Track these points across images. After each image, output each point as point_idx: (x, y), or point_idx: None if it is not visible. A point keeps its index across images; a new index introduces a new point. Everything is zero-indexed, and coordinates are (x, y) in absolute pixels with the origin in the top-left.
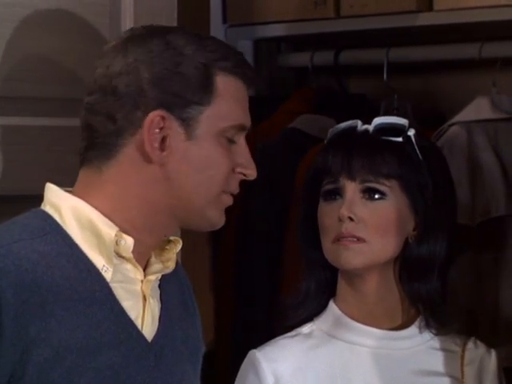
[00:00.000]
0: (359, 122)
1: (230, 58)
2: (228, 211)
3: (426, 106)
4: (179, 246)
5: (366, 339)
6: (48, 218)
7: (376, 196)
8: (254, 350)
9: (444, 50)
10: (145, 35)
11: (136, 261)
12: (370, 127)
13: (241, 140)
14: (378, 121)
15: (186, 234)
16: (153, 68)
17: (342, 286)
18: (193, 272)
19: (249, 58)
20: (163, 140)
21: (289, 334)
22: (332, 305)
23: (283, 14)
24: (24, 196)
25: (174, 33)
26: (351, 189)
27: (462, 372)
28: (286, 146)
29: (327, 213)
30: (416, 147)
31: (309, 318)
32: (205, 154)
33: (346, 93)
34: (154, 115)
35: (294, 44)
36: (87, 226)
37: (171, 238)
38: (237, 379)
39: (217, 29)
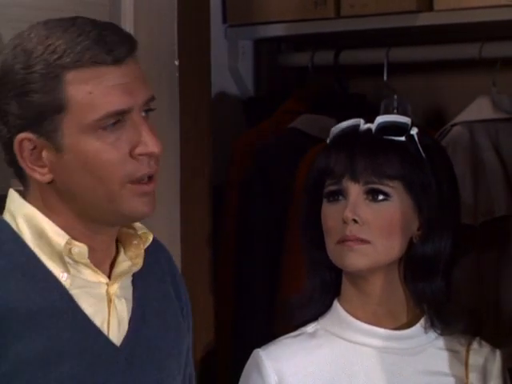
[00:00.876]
0: (362, 121)
1: (72, 51)
2: (227, 211)
3: (426, 106)
4: (149, 240)
5: (370, 339)
6: (6, 227)
7: (380, 197)
8: (257, 349)
9: (444, 50)
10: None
11: (97, 264)
12: (373, 126)
13: (129, 121)
14: (380, 119)
15: (186, 236)
16: (4, 87)
17: (346, 286)
18: (193, 273)
19: (249, 57)
20: (39, 157)
21: (293, 334)
22: (336, 304)
23: (283, 14)
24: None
25: (27, 37)
26: (355, 190)
27: (467, 372)
28: (286, 146)
29: (331, 214)
30: (419, 146)
31: (313, 318)
32: (83, 159)
33: (346, 93)
34: (20, 139)
35: (294, 44)
36: (41, 235)
37: (139, 232)
38: (241, 378)
39: (217, 29)
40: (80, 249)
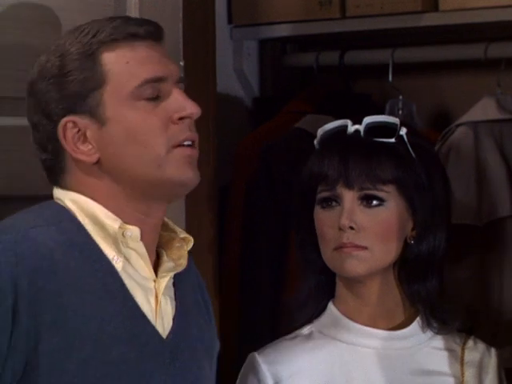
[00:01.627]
0: (349, 122)
1: (105, 30)
2: (233, 212)
3: (431, 106)
4: (190, 244)
5: (366, 340)
6: (61, 207)
7: (374, 202)
8: (254, 353)
9: (449, 50)
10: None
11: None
12: (361, 128)
13: (167, 92)
14: (368, 120)
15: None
16: (43, 81)
17: (341, 288)
18: None
19: (254, 58)
20: (84, 139)
21: (288, 336)
22: (331, 306)
23: (288, 15)
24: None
25: (57, 40)
26: (349, 197)
27: (462, 370)
28: (291, 147)
29: (326, 221)
30: (409, 146)
31: (308, 320)
32: (127, 127)
33: (351, 93)
34: (63, 123)
35: (299, 44)
36: (93, 218)
37: (181, 235)
38: (237, 381)
39: (222, 29)
40: (132, 232)
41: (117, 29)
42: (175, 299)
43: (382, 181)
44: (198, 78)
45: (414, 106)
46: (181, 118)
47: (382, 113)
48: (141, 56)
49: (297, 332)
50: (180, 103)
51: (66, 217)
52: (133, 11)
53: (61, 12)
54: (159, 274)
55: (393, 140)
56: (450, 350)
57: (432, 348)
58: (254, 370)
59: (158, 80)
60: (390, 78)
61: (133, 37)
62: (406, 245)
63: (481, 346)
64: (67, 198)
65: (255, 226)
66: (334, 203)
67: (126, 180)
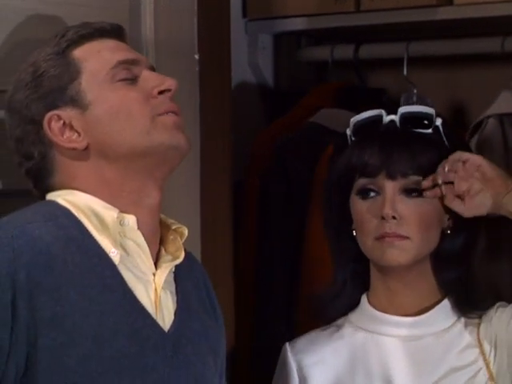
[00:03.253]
0: (383, 112)
1: (71, 29)
2: (248, 206)
3: (445, 100)
4: (184, 235)
5: (389, 328)
6: (58, 204)
7: (414, 193)
8: (286, 343)
9: (464, 44)
10: None
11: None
12: (396, 118)
13: (140, 73)
14: (403, 110)
15: (206, 231)
16: (20, 91)
17: (374, 279)
18: (214, 267)
19: (269, 52)
20: (71, 128)
21: (324, 327)
22: (364, 297)
23: (303, 8)
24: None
25: (37, 52)
26: (391, 187)
27: (480, 342)
28: (307, 141)
29: (366, 211)
30: (444, 137)
31: (344, 311)
32: (110, 105)
33: (366, 87)
34: (48, 119)
35: (314, 38)
36: (89, 211)
37: (173, 227)
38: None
39: (237, 23)
40: (130, 220)
41: (83, 26)
42: (176, 294)
43: (422, 172)
44: (212, 72)
45: (429, 100)
46: (160, 92)
47: (397, 107)
48: (111, 46)
49: (333, 323)
50: (157, 79)
51: (63, 213)
52: (147, 5)
53: (75, 7)
54: (158, 267)
55: (430, 131)
56: (470, 333)
57: (454, 334)
58: (283, 358)
59: (131, 62)
60: (405, 72)
61: (99, 32)
62: (442, 235)
63: (489, 311)
64: (60, 198)
65: (269, 221)
66: (373, 193)
67: (118, 158)
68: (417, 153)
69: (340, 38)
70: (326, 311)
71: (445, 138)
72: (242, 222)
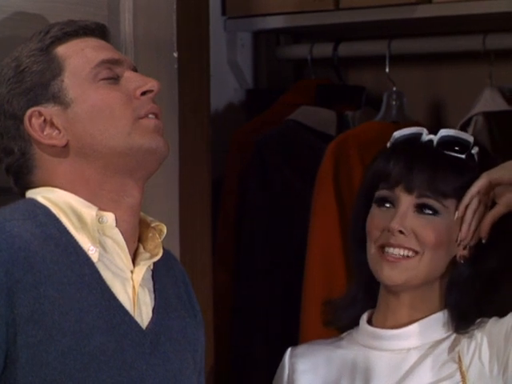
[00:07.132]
0: (425, 131)
1: (55, 26)
2: (226, 202)
3: (425, 97)
4: (163, 232)
5: (382, 342)
6: (37, 202)
7: (428, 211)
8: (290, 347)
9: (444, 41)
10: None
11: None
12: (435, 138)
13: (123, 73)
14: (443, 133)
15: (185, 226)
16: (2, 86)
17: (379, 294)
18: (191, 262)
19: (248, 49)
20: (51, 125)
21: (331, 339)
22: (366, 313)
23: (282, 6)
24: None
25: (20, 47)
26: (406, 202)
27: (459, 357)
28: (285, 138)
29: (377, 219)
30: (476, 166)
31: (350, 326)
32: (90, 104)
33: (345, 85)
34: (29, 115)
35: (293, 36)
36: (68, 209)
37: (152, 224)
38: None
39: (216, 21)
40: (108, 218)
41: (67, 24)
42: (154, 291)
43: (442, 193)
44: (191, 70)
45: (405, 99)
46: (143, 94)
47: (375, 105)
48: (94, 44)
49: (340, 336)
50: (139, 80)
51: (42, 211)
52: (126, 2)
53: (55, 3)
54: (136, 264)
55: (463, 156)
56: (454, 348)
57: (441, 348)
58: (282, 360)
59: (114, 62)
60: (387, 70)
61: (83, 31)
62: (455, 263)
63: (473, 328)
64: (39, 195)
65: (249, 218)
66: (389, 204)
67: (98, 157)
68: (441, 173)
69: (319, 35)
70: (332, 321)
71: (477, 167)
72: (221, 220)
